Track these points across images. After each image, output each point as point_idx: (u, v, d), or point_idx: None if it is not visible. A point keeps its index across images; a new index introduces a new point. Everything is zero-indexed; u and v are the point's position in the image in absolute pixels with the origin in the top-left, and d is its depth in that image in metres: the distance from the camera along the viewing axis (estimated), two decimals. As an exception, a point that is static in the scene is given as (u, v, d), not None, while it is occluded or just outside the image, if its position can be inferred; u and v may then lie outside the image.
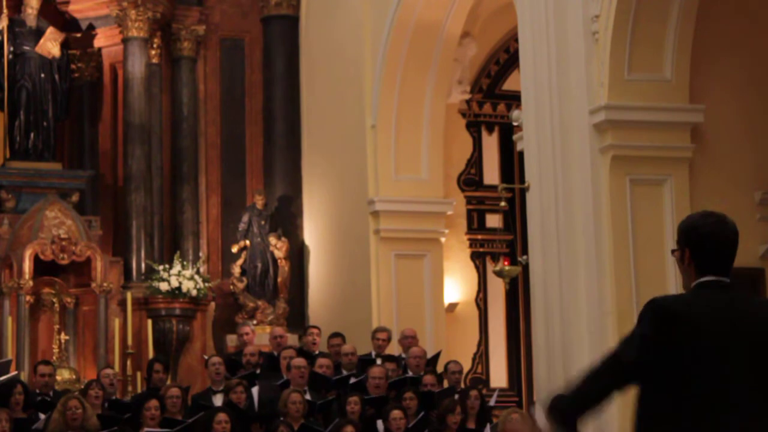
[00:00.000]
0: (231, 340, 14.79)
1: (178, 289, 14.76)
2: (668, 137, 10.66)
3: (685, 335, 3.93)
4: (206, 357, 13.40)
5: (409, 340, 12.34)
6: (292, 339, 13.55)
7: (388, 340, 12.51)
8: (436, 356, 12.38)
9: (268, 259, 15.30)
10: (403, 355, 12.27)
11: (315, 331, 12.88)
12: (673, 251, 4.15)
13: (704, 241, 4.06)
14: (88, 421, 9.98)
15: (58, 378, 13.22)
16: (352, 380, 11.47)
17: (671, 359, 3.94)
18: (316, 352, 12.34)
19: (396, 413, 10.37)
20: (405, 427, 10.40)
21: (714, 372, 3.91)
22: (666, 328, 3.94)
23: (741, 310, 4.02)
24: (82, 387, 11.90)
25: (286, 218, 15.91)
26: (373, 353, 12.34)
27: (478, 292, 15.75)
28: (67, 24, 15.90)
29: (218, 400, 10.91)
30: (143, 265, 15.10)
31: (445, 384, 11.81)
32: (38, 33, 15.19)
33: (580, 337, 10.41)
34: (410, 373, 11.74)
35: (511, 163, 15.56)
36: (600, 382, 3.99)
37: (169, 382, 11.98)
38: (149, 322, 14.58)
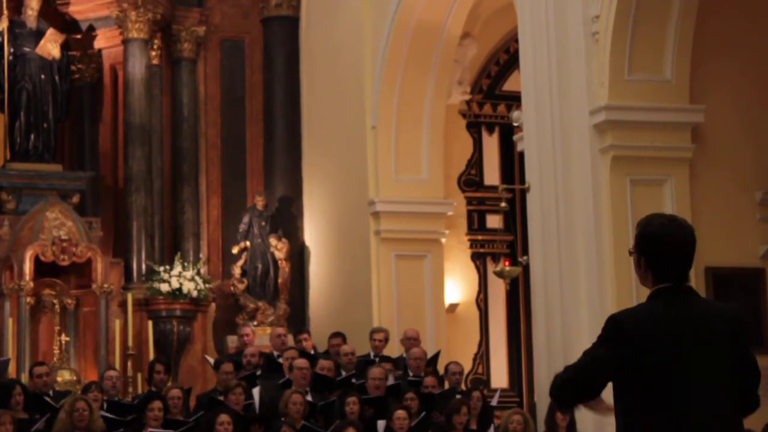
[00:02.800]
0: (231, 341, 14.78)
1: (179, 290, 14.75)
2: (668, 137, 10.66)
3: (645, 347, 3.96)
4: (209, 358, 13.42)
5: (411, 341, 12.34)
6: (292, 340, 13.55)
7: (386, 340, 12.52)
8: (436, 356, 12.38)
9: (268, 260, 15.30)
10: (405, 356, 12.27)
11: (304, 336, 12.92)
12: (630, 252, 4.15)
13: (661, 249, 4.08)
14: (94, 423, 9.98)
15: (59, 379, 13.23)
16: (354, 381, 11.48)
17: (633, 371, 3.98)
18: (312, 353, 12.38)
19: (400, 413, 10.38)
20: (407, 428, 10.41)
21: (675, 380, 3.95)
22: (623, 344, 3.97)
23: (699, 315, 4.04)
24: (82, 388, 11.89)
25: (286, 219, 15.91)
26: (372, 354, 12.36)
27: (479, 292, 15.75)
28: (67, 25, 15.90)
29: (223, 401, 10.93)
30: (144, 267, 15.10)
31: (446, 385, 11.80)
32: (38, 34, 15.18)
33: (581, 337, 10.41)
34: (411, 374, 11.74)
35: (512, 163, 15.56)
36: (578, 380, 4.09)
37: (170, 383, 11.98)
38: (150, 323, 14.58)
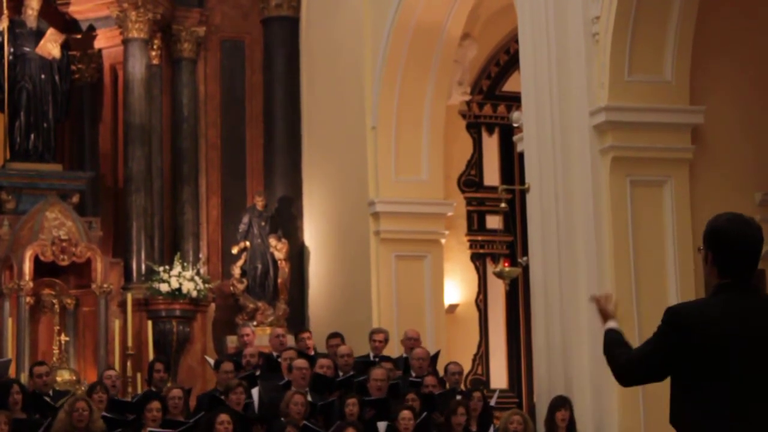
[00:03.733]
0: (231, 341, 14.78)
1: (179, 290, 14.75)
2: (668, 138, 10.67)
3: (699, 341, 4.03)
4: (209, 358, 13.42)
5: (412, 342, 12.35)
6: (291, 340, 13.55)
7: (385, 341, 12.52)
8: (435, 356, 12.38)
9: (268, 261, 15.30)
10: (405, 356, 12.28)
11: (306, 335, 12.95)
12: (699, 249, 4.23)
13: (726, 245, 4.12)
14: (94, 423, 9.98)
15: (59, 379, 13.23)
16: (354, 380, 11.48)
17: (686, 363, 4.05)
18: (312, 353, 12.38)
19: (405, 413, 10.39)
20: (412, 428, 10.41)
21: (727, 375, 4.00)
22: (679, 334, 4.06)
23: (757, 313, 4.09)
24: (83, 388, 11.90)
25: (286, 219, 15.91)
26: (371, 354, 12.35)
27: (479, 293, 15.75)
28: (67, 25, 15.90)
29: (224, 402, 10.93)
30: (143, 267, 15.10)
31: (447, 385, 11.80)
32: (38, 34, 15.18)
33: (580, 338, 10.42)
34: (413, 374, 11.74)
35: (512, 164, 15.56)
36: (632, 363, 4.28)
37: (169, 383, 11.98)
38: (149, 323, 14.57)
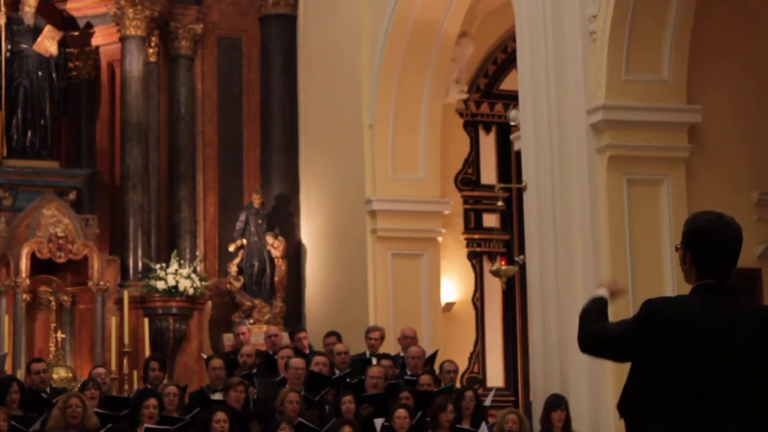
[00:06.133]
0: (227, 338, 14.77)
1: (175, 287, 14.74)
2: (665, 137, 10.67)
3: (676, 339, 3.95)
4: (205, 356, 13.42)
5: (408, 341, 12.34)
6: (286, 338, 13.56)
7: (381, 339, 12.52)
8: (433, 356, 12.38)
9: (265, 258, 15.30)
10: (402, 354, 12.28)
11: (302, 335, 12.95)
12: (676, 248, 4.16)
13: (705, 245, 4.06)
14: (88, 420, 9.98)
15: (55, 376, 13.23)
16: (350, 380, 11.47)
17: (661, 361, 3.96)
18: (307, 351, 12.39)
19: (401, 412, 10.36)
20: (408, 426, 10.39)
21: (704, 376, 3.93)
22: (654, 330, 3.97)
23: (736, 313, 4.02)
24: (79, 386, 11.90)
25: (283, 217, 15.91)
26: (367, 352, 12.35)
27: (475, 291, 15.75)
28: (64, 22, 15.90)
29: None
30: (140, 264, 15.09)
31: (443, 384, 11.81)
32: (36, 31, 15.19)
33: (576, 337, 10.40)
34: (408, 372, 11.74)
35: (509, 162, 15.56)
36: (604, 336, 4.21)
37: (165, 381, 11.97)
38: (146, 320, 14.57)
